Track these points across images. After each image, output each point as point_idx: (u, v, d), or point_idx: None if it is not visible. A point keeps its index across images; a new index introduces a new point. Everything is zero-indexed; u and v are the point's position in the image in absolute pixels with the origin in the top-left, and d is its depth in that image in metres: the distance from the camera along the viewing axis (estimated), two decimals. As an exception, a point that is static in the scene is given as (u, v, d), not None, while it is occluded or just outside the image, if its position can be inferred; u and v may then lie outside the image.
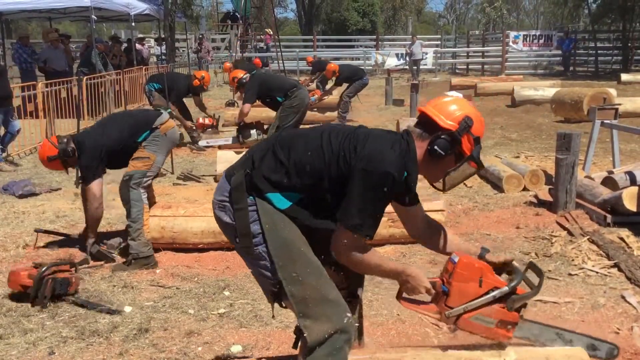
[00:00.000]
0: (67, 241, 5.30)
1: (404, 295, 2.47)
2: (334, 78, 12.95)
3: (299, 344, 2.40)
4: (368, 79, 13.40)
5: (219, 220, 2.46)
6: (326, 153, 2.30)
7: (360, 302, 2.76)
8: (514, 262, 2.55)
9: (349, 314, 2.33)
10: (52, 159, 4.79)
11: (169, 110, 8.92)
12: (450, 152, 2.31)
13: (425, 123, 2.35)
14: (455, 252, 2.47)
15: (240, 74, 8.69)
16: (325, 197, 2.33)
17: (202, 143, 9.40)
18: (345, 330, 2.28)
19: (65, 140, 4.81)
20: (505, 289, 2.39)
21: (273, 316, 2.64)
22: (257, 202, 2.33)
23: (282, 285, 2.32)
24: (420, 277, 2.38)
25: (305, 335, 2.28)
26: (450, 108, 2.34)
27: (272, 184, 2.33)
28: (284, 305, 2.42)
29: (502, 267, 2.54)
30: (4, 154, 8.80)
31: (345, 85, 12.72)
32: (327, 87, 13.91)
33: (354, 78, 12.69)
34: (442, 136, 2.30)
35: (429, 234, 2.62)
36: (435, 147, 2.29)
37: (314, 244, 2.40)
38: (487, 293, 2.39)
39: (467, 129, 2.30)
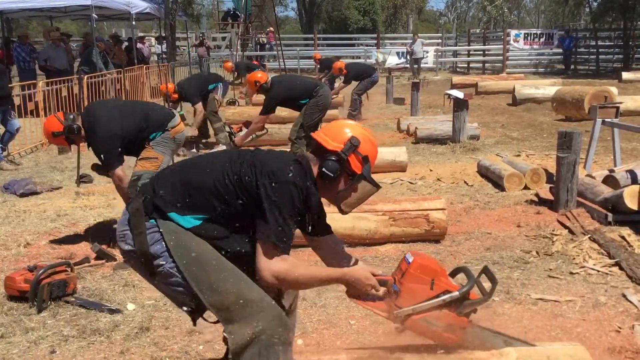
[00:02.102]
0: (68, 239, 5.31)
1: None
2: (342, 76, 12.89)
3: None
4: (378, 77, 13.36)
5: (122, 252, 2.46)
6: (230, 174, 2.33)
7: (295, 313, 2.75)
8: (467, 267, 2.53)
9: (276, 311, 2.32)
10: (57, 135, 4.73)
11: (182, 112, 8.91)
12: (341, 172, 2.37)
13: (316, 148, 2.44)
14: (411, 252, 2.46)
15: (263, 79, 8.14)
16: (234, 217, 2.33)
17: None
18: (271, 331, 2.28)
19: (72, 117, 4.75)
20: (456, 293, 2.37)
21: (195, 325, 2.58)
22: (159, 223, 2.34)
23: (198, 298, 2.31)
24: (361, 280, 2.38)
25: (228, 341, 2.28)
26: (337, 131, 2.43)
27: (175, 206, 2.34)
28: (210, 321, 2.41)
29: (458, 270, 2.54)
30: (4, 153, 8.81)
31: (355, 83, 12.68)
32: (336, 85, 13.86)
33: (363, 76, 12.65)
34: (329, 157, 2.36)
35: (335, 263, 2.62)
36: (324, 169, 2.36)
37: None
38: (437, 296, 2.37)
39: (354, 149, 2.37)
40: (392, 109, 14.51)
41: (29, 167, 8.67)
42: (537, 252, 4.75)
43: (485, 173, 7.27)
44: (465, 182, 7.16)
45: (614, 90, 12.47)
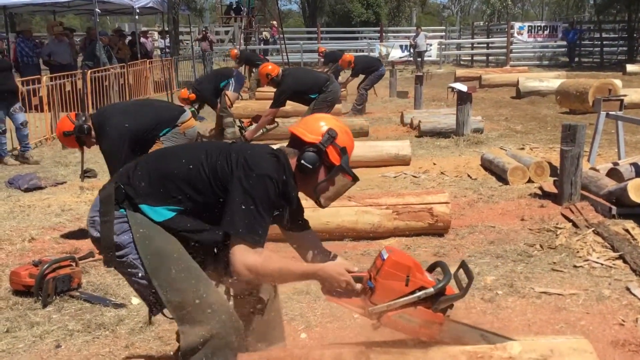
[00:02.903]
0: (73, 234, 5.33)
1: None
2: (350, 69, 12.84)
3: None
4: (385, 70, 13.32)
5: (91, 238, 2.44)
6: (206, 165, 2.31)
7: (278, 304, 2.76)
8: (444, 262, 2.52)
9: (230, 316, 2.31)
10: (68, 134, 4.77)
11: (193, 109, 8.94)
12: (319, 164, 2.37)
13: (294, 141, 2.44)
14: (387, 247, 2.44)
15: (274, 72, 8.15)
16: (209, 209, 2.32)
17: None
18: (223, 335, 2.26)
19: (83, 117, 4.80)
20: (431, 290, 2.35)
21: (150, 322, 2.62)
22: (128, 214, 2.32)
23: (157, 292, 2.30)
24: (335, 277, 2.35)
25: (180, 340, 2.27)
26: (313, 124, 2.44)
27: (148, 197, 2.33)
28: (169, 316, 2.38)
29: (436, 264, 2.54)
30: (9, 148, 8.81)
31: (361, 77, 12.65)
32: (340, 79, 13.82)
33: (370, 69, 12.60)
34: (308, 149, 2.36)
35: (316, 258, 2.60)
36: (302, 161, 2.35)
37: (210, 266, 2.41)
38: (412, 292, 2.36)
39: (331, 140, 2.37)
40: (396, 103, 14.48)
41: (33, 162, 8.69)
42: (540, 246, 4.75)
43: (489, 166, 7.26)
44: (469, 175, 7.15)
45: (618, 82, 12.44)
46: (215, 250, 2.36)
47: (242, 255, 2.21)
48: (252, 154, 2.33)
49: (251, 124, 8.41)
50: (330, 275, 2.35)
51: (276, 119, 8.47)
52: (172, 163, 2.38)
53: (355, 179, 2.47)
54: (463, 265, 2.50)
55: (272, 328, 2.75)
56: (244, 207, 2.21)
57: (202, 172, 2.31)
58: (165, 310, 2.38)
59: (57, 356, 3.32)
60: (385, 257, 2.37)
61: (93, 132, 4.78)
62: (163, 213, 2.33)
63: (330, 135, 2.37)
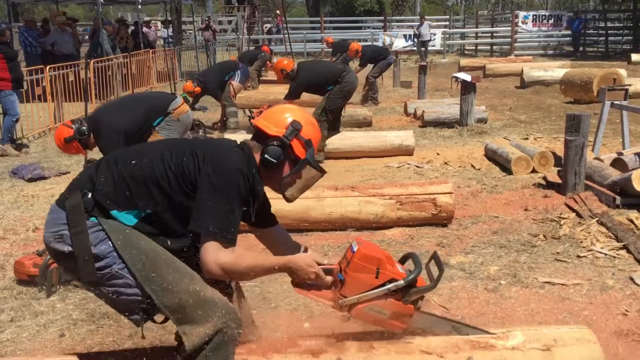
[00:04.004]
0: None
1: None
2: (357, 58, 12.80)
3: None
4: (393, 58, 13.29)
5: (58, 255, 2.26)
6: (171, 163, 2.23)
7: (241, 293, 2.74)
8: (415, 254, 2.51)
9: (228, 309, 2.25)
10: (69, 140, 4.76)
11: (184, 94, 8.95)
12: (283, 158, 2.30)
13: (258, 135, 2.36)
14: (357, 240, 2.43)
15: (289, 67, 7.99)
16: (178, 210, 2.24)
17: None
18: (226, 329, 2.20)
19: (79, 121, 4.82)
20: (401, 282, 2.35)
21: (143, 336, 2.47)
22: (101, 221, 2.20)
23: (151, 299, 2.20)
24: (305, 268, 2.32)
25: (183, 341, 2.19)
26: (277, 116, 2.37)
27: (117, 202, 2.22)
28: (158, 321, 2.31)
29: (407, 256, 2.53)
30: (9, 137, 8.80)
31: (370, 66, 12.61)
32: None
33: (378, 58, 12.57)
34: (271, 143, 2.29)
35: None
36: (266, 155, 2.28)
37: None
38: (383, 285, 2.36)
39: (296, 133, 2.30)
40: (399, 92, 14.44)
41: (36, 152, 8.71)
42: (544, 236, 4.74)
43: (493, 156, 7.24)
44: (472, 165, 7.14)
45: (623, 72, 12.40)
46: (186, 251, 2.29)
47: (215, 255, 2.15)
48: (218, 147, 2.28)
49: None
50: (299, 266, 2.32)
51: None
52: (135, 164, 2.26)
53: (322, 172, 2.42)
54: (435, 256, 2.49)
55: (242, 311, 2.73)
56: (214, 204, 2.15)
57: (168, 171, 2.22)
58: (156, 317, 2.31)
59: (61, 345, 3.33)
60: (355, 249, 2.36)
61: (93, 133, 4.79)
62: (130, 218, 2.23)
63: (295, 128, 2.31)
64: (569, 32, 25.85)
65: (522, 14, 27.75)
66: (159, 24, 26.15)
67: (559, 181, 5.78)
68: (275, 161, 2.29)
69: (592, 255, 4.35)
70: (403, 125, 10.02)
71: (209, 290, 2.25)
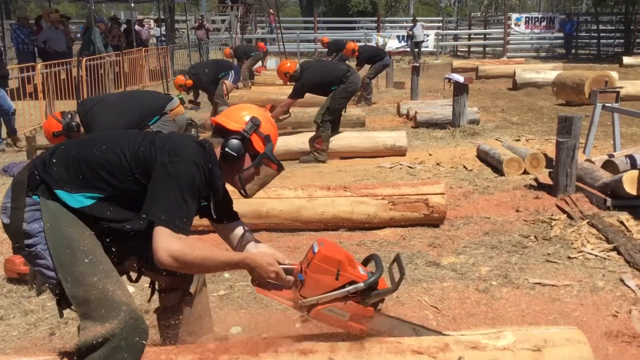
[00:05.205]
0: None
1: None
2: (354, 58, 12.79)
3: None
4: (389, 60, 13.25)
5: (3, 225, 2.37)
6: (127, 152, 2.26)
7: (205, 296, 2.77)
8: (378, 256, 2.50)
9: (134, 316, 2.18)
10: (57, 135, 4.70)
11: (180, 95, 8.93)
12: (243, 152, 2.36)
13: (218, 131, 2.43)
14: (319, 240, 2.42)
15: (292, 69, 7.95)
16: (129, 197, 2.26)
17: None
18: (124, 336, 2.14)
19: (69, 115, 4.74)
20: (361, 285, 2.35)
21: (61, 315, 2.44)
22: (41, 201, 2.25)
23: (62, 285, 2.21)
24: (264, 266, 2.31)
25: (79, 335, 2.18)
26: (236, 113, 2.45)
27: (65, 183, 2.25)
28: (73, 308, 2.26)
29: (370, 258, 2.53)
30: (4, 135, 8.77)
31: (367, 67, 12.61)
32: None
33: (375, 58, 12.55)
34: (232, 137, 2.35)
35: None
36: (227, 149, 2.33)
37: (128, 255, 2.42)
38: (343, 287, 2.35)
39: (255, 128, 2.37)
40: (392, 93, 14.45)
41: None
42: (535, 237, 4.76)
43: (485, 158, 7.26)
44: (464, 166, 7.16)
45: (614, 75, 12.44)
46: (136, 238, 2.29)
47: (165, 242, 2.13)
48: (177, 141, 2.31)
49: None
50: (259, 264, 2.31)
51: (290, 110, 8.39)
52: (91, 149, 2.30)
53: (280, 167, 2.46)
54: (397, 259, 2.49)
55: (200, 320, 2.74)
56: (167, 193, 2.16)
57: (122, 158, 2.25)
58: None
59: (51, 344, 3.32)
60: (316, 250, 2.35)
61: (82, 129, 4.72)
62: (81, 200, 2.26)
63: (254, 123, 2.37)
64: (562, 34, 25.99)
65: (514, 15, 27.86)
66: (151, 22, 26.11)
67: (550, 183, 5.80)
68: (235, 154, 2.33)
69: (583, 256, 4.37)
70: (396, 125, 10.04)
71: (119, 293, 2.20)
